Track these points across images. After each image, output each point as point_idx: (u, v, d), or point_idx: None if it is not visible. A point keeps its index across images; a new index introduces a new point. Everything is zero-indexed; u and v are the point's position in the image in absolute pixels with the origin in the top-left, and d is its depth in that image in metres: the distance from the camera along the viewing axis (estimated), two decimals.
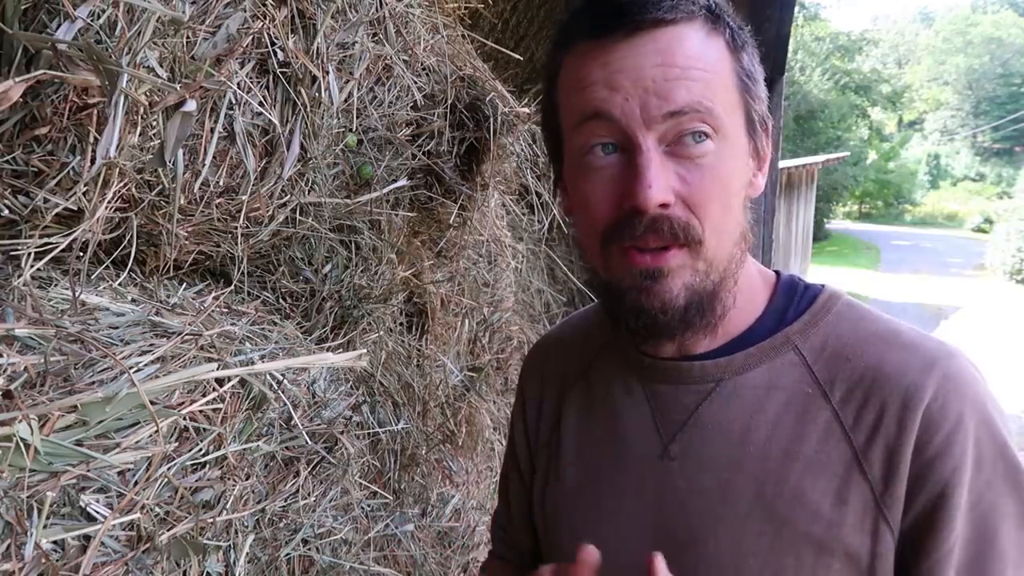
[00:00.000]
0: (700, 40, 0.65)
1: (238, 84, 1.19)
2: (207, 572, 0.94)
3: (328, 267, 1.58)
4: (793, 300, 0.75)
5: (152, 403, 0.90)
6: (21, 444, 0.78)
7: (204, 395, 1.00)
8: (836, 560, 0.64)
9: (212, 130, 1.16)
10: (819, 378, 0.68)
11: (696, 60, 0.64)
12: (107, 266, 1.17)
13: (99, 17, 0.96)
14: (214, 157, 1.17)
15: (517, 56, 2.32)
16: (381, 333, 1.69)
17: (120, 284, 1.18)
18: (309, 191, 1.38)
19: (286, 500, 1.12)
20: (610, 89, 0.64)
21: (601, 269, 0.72)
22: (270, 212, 1.31)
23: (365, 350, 1.39)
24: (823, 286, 0.75)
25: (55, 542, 0.80)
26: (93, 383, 0.90)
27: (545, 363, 0.93)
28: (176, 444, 0.95)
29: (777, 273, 0.79)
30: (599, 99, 0.64)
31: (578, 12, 0.69)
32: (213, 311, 1.23)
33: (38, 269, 1.04)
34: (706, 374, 0.73)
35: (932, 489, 0.62)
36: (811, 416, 0.67)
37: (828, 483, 0.65)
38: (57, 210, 1.00)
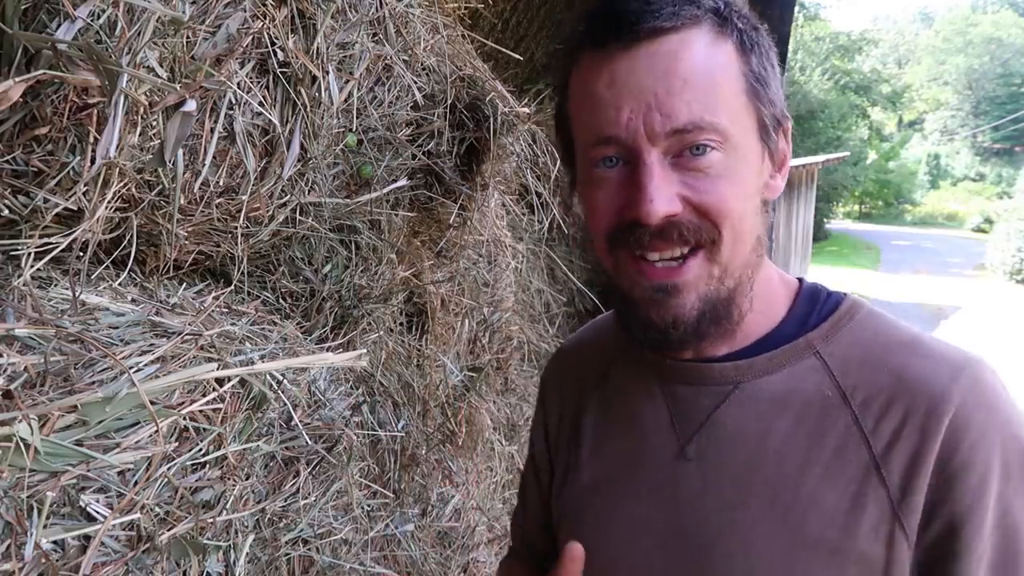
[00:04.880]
0: (704, 47, 0.64)
1: (238, 84, 1.19)
2: (207, 572, 0.94)
3: (328, 267, 1.58)
4: (815, 307, 0.74)
5: (152, 403, 0.90)
6: (21, 444, 0.78)
7: (204, 395, 1.00)
8: (850, 566, 0.63)
9: (212, 130, 1.16)
10: (840, 383, 0.68)
11: (699, 70, 0.63)
12: (107, 266, 1.17)
13: (99, 17, 0.96)
14: (214, 157, 1.17)
15: (517, 56, 2.32)
16: (381, 333, 1.69)
17: (120, 284, 1.18)
18: (309, 191, 1.38)
19: (286, 500, 1.12)
20: (616, 109, 0.64)
21: (612, 272, 0.73)
22: (270, 212, 1.31)
23: (365, 350, 1.39)
24: (846, 294, 0.75)
25: (55, 542, 0.80)
26: (93, 383, 0.90)
27: (566, 366, 0.94)
28: (176, 444, 0.95)
29: (800, 280, 0.78)
30: (606, 122, 0.65)
31: (583, 20, 0.69)
32: (213, 311, 1.23)
33: (38, 269, 1.04)
34: (725, 376, 0.72)
35: (959, 500, 0.61)
36: (830, 421, 0.67)
37: (844, 488, 0.65)
38: (57, 210, 1.00)
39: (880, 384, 0.66)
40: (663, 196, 0.63)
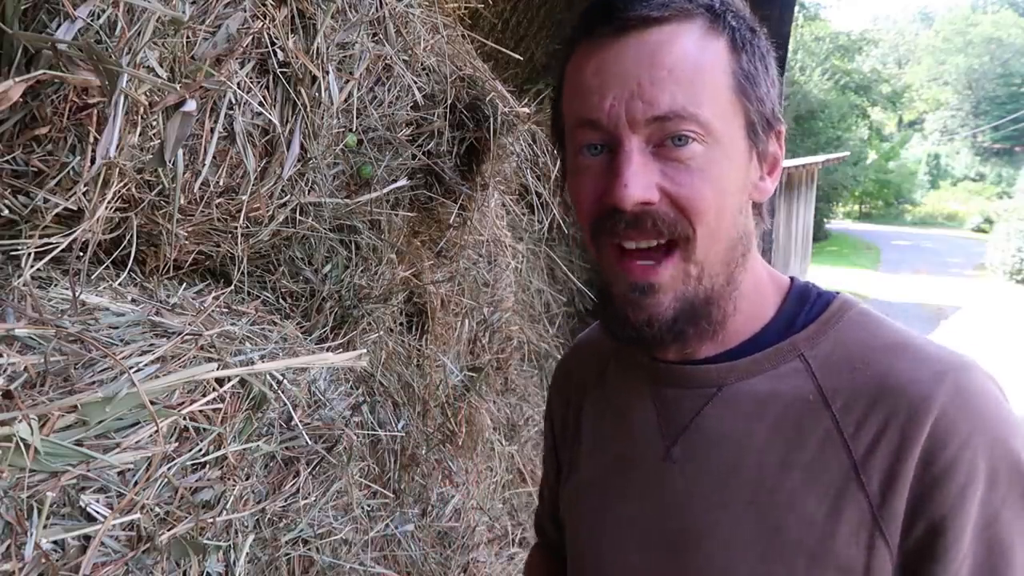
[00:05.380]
0: (694, 41, 0.64)
1: (238, 84, 1.19)
2: (207, 572, 0.94)
3: (328, 267, 1.58)
4: (804, 307, 0.73)
5: (152, 403, 0.90)
6: (21, 444, 0.78)
7: (204, 395, 1.00)
8: (828, 572, 0.63)
9: (212, 130, 1.16)
10: (822, 386, 0.67)
11: (685, 62, 0.63)
12: (107, 266, 1.17)
13: (99, 17, 0.96)
14: (214, 157, 1.17)
15: (517, 56, 2.32)
16: (381, 333, 1.69)
17: (120, 284, 1.18)
18: (309, 191, 1.38)
19: (286, 500, 1.12)
20: (600, 95, 0.64)
21: (598, 261, 0.73)
22: (270, 212, 1.31)
23: (365, 350, 1.39)
24: (837, 294, 0.74)
25: (55, 542, 0.80)
26: (93, 383, 0.90)
27: (569, 368, 0.96)
28: (176, 444, 0.95)
29: (792, 280, 0.78)
30: (590, 107, 0.65)
31: (580, 15, 0.69)
32: (213, 311, 1.23)
33: (38, 269, 1.04)
34: (709, 378, 0.72)
35: (938, 508, 0.60)
36: (810, 424, 0.66)
37: (823, 493, 0.64)
38: (57, 210, 1.00)
39: (862, 387, 0.65)
40: (639, 183, 0.63)
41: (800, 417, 0.67)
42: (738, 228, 0.69)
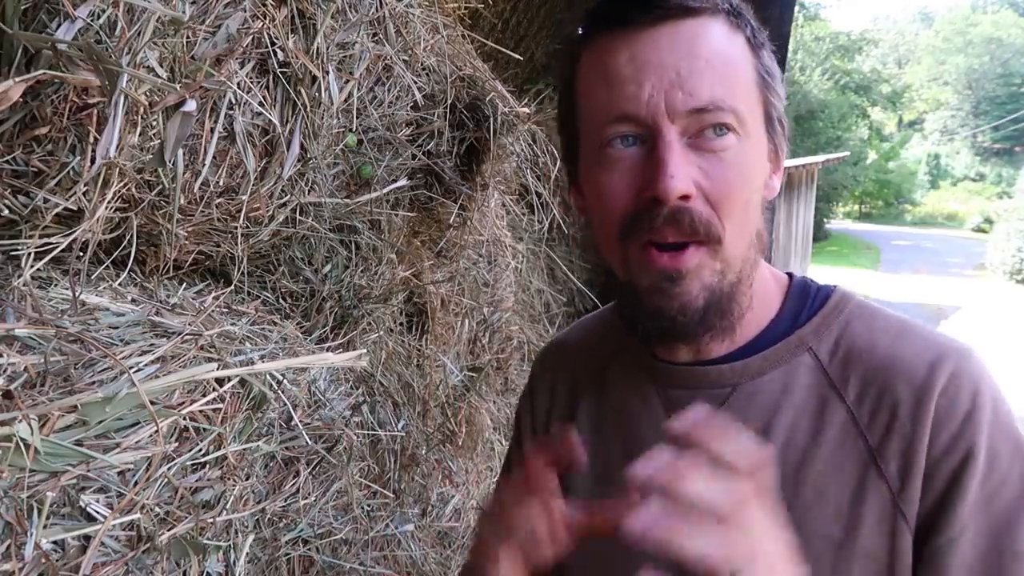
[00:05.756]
0: (724, 34, 0.65)
1: (238, 84, 1.19)
2: (207, 572, 0.94)
3: (328, 267, 1.58)
4: (806, 302, 0.74)
5: (152, 403, 0.90)
6: (21, 444, 0.78)
7: (204, 395, 1.00)
8: (856, 561, 0.64)
9: (212, 130, 1.16)
10: (833, 379, 0.68)
11: (720, 54, 0.64)
12: (107, 266, 1.17)
13: (99, 17, 0.96)
14: (214, 157, 1.17)
15: (517, 56, 2.32)
16: (381, 333, 1.69)
17: (120, 284, 1.18)
18: (309, 191, 1.38)
19: (286, 500, 1.12)
20: (637, 85, 0.63)
21: (620, 268, 0.71)
22: (270, 212, 1.31)
23: (365, 350, 1.39)
24: (835, 287, 0.75)
25: (55, 542, 0.80)
26: (93, 383, 0.90)
27: (557, 365, 0.92)
28: (176, 444, 0.96)
29: (790, 275, 0.78)
30: (626, 99, 0.64)
31: (595, 8, 0.68)
32: (213, 311, 1.23)
33: (38, 269, 1.04)
34: (722, 379, 0.72)
35: (940, 482, 0.62)
36: (827, 417, 0.67)
37: (846, 484, 0.65)
38: (57, 210, 1.00)
39: (870, 376, 0.67)
40: (682, 173, 0.62)
41: (816, 411, 0.68)
42: (757, 225, 0.70)
